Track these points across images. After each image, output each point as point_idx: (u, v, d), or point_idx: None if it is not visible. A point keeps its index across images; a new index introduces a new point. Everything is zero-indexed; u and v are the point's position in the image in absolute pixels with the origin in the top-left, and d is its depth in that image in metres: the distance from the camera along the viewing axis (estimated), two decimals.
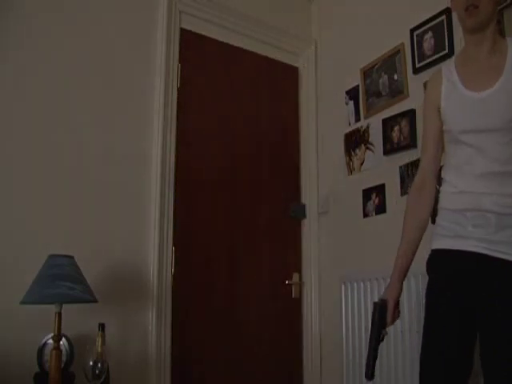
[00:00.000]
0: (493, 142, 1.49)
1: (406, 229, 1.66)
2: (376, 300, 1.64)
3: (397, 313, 1.62)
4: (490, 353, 1.42)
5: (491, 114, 1.50)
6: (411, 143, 2.41)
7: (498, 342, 1.40)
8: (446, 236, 1.55)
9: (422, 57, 2.42)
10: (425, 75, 2.34)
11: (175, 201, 2.54)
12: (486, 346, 1.43)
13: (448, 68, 1.67)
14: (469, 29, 1.58)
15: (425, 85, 2.35)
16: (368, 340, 1.58)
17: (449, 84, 1.62)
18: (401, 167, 2.45)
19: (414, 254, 1.65)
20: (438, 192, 1.66)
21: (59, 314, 1.83)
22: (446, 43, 2.28)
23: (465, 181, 1.53)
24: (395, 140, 2.51)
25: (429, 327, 1.54)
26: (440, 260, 1.57)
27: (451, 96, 1.60)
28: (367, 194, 2.67)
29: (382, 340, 1.57)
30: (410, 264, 1.65)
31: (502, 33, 2.05)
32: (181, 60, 2.68)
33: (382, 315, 1.58)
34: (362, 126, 2.77)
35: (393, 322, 1.61)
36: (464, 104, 1.56)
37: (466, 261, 1.49)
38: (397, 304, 1.62)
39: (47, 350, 1.88)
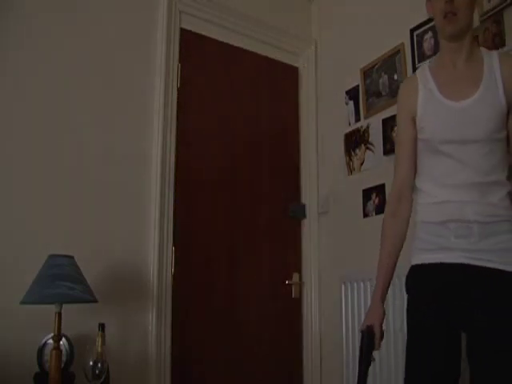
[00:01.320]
0: (473, 152, 1.47)
1: (386, 245, 1.63)
2: (362, 328, 1.59)
3: (383, 333, 1.59)
4: (477, 362, 1.40)
5: (472, 125, 1.47)
6: None
7: (483, 351, 1.38)
8: (428, 250, 1.52)
9: (421, 57, 2.42)
10: None
11: (175, 201, 2.54)
12: (473, 355, 1.42)
13: (423, 74, 1.62)
14: (447, 36, 1.55)
15: None
16: (358, 367, 1.54)
17: (426, 91, 1.58)
18: None
19: (394, 269, 1.62)
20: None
21: (59, 314, 1.83)
22: None
23: (445, 191, 1.50)
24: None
25: (415, 341, 1.50)
26: (424, 275, 1.53)
27: (428, 104, 1.56)
28: (367, 194, 2.67)
29: (370, 365, 1.54)
30: (391, 279, 1.62)
31: (502, 34, 2.05)
32: (181, 60, 2.68)
33: (370, 342, 1.55)
34: (362, 126, 2.77)
35: (380, 344, 1.58)
36: (443, 113, 1.53)
37: (452, 273, 1.46)
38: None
39: (47, 350, 1.88)
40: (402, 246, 1.63)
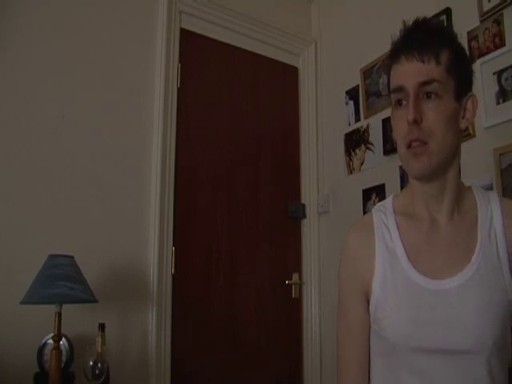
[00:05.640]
0: (464, 371, 0.94)
1: None
2: None
3: None
4: None
5: (459, 323, 0.94)
6: None
7: None
8: None
9: None
10: None
11: (175, 201, 2.54)
12: None
13: (385, 224, 1.07)
14: (416, 177, 1.03)
15: None
16: None
17: (388, 256, 1.04)
18: (401, 167, 2.45)
19: None
20: None
21: (59, 314, 1.83)
22: None
23: None
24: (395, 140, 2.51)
25: None
26: None
27: (392, 280, 1.02)
28: (367, 193, 2.67)
29: None
30: None
31: (502, 34, 2.04)
32: (181, 60, 2.68)
33: None
34: (362, 126, 2.77)
35: None
36: (417, 301, 0.98)
37: None
38: None
39: (47, 350, 1.87)
40: None
